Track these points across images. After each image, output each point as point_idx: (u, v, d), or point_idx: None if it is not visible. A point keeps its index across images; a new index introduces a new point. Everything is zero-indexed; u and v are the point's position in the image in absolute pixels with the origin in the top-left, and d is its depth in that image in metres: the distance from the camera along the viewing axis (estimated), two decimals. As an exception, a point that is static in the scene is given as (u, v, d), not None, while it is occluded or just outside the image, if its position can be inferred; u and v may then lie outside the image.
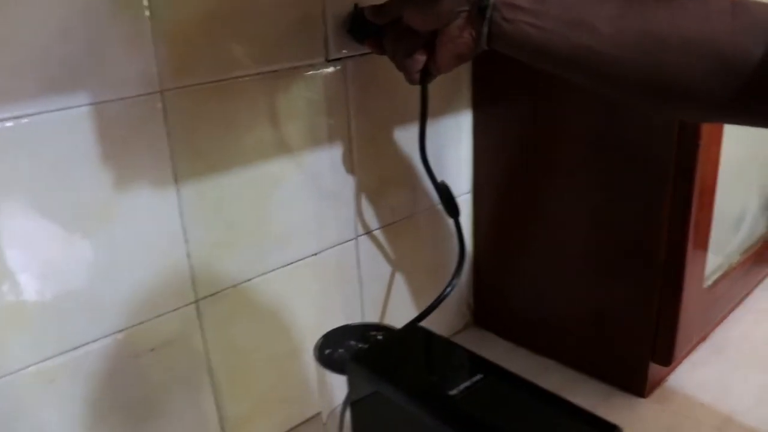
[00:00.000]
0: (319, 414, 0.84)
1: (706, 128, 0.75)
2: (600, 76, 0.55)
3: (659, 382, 0.92)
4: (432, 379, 0.56)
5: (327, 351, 0.65)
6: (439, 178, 0.81)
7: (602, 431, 0.49)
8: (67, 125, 0.59)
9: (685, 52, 0.50)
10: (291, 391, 0.84)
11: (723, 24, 0.50)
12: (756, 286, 1.15)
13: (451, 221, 0.84)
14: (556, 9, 0.54)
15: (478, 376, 0.56)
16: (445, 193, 0.83)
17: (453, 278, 0.81)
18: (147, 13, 0.62)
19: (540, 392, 0.54)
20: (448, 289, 0.79)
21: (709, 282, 0.91)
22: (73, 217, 0.62)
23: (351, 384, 0.60)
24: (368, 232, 0.87)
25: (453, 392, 0.54)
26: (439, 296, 0.79)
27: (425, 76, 0.67)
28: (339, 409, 0.66)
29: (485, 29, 0.56)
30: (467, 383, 0.55)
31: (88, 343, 0.65)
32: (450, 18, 0.59)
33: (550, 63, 0.56)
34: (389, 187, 0.87)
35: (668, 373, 0.94)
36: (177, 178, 0.68)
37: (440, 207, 0.85)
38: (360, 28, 0.76)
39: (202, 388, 0.76)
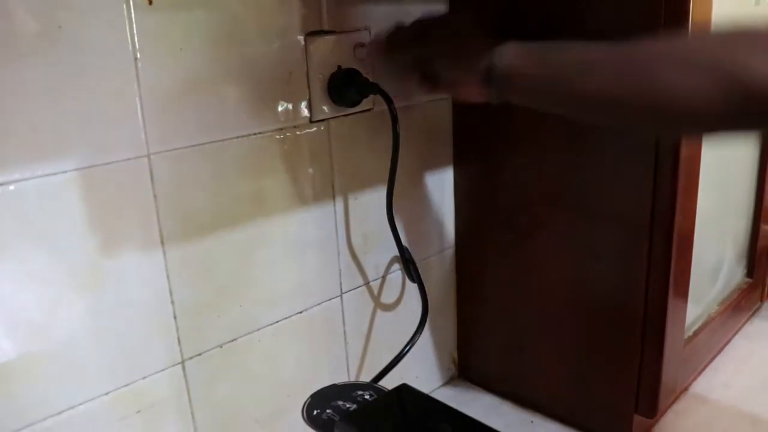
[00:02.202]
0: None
1: (682, 177, 0.77)
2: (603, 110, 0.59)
3: (644, 433, 0.93)
4: (419, 440, 0.57)
5: (315, 411, 0.65)
6: (419, 233, 0.83)
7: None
8: (54, 190, 0.60)
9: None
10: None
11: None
12: (735, 334, 1.17)
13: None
14: (554, 70, 0.59)
15: (466, 436, 0.56)
16: (405, 259, 0.85)
17: (413, 337, 0.84)
18: (134, 77, 0.63)
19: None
20: (407, 348, 0.81)
21: (689, 333, 0.93)
22: (60, 281, 0.62)
23: (340, 446, 0.60)
24: (353, 289, 0.88)
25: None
26: (398, 354, 0.81)
27: None
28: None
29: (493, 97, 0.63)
30: (455, 443, 0.55)
31: (73, 407, 0.65)
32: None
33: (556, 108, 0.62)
34: (373, 245, 0.88)
35: (652, 425, 0.94)
36: (163, 240, 0.68)
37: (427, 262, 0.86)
38: (341, 90, 0.78)
39: (188, 450, 0.75)
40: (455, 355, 1.06)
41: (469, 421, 0.58)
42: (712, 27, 0.73)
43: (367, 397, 0.67)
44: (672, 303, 0.82)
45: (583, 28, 0.78)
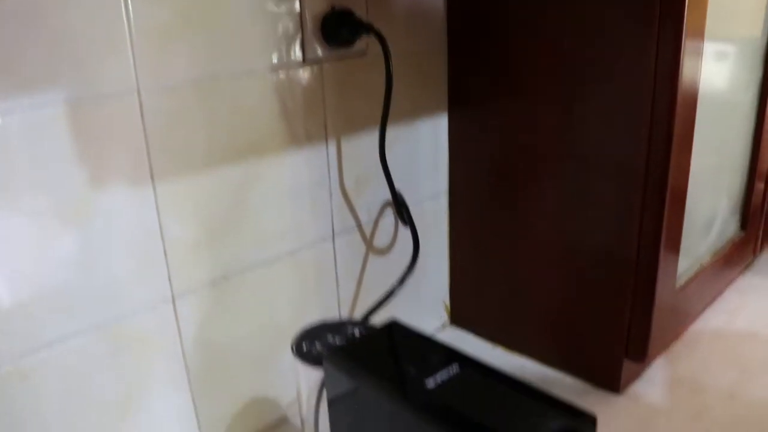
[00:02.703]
0: (297, 412, 0.84)
1: (677, 135, 0.77)
2: None
3: (633, 378, 0.93)
4: (408, 372, 0.57)
5: (304, 345, 0.65)
6: (412, 178, 0.83)
7: (576, 419, 0.50)
8: (42, 122, 0.59)
9: None
10: (269, 390, 0.84)
11: None
12: (727, 287, 1.17)
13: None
14: None
15: (455, 368, 0.56)
16: (398, 202, 0.85)
17: (404, 275, 0.84)
18: (124, 15, 0.62)
19: (516, 383, 0.55)
20: (398, 285, 0.81)
21: (681, 282, 0.93)
22: (49, 214, 0.62)
23: (327, 377, 0.60)
24: (345, 232, 0.87)
25: (429, 384, 0.54)
26: (389, 291, 0.81)
27: None
28: (315, 405, 0.67)
29: None
30: (443, 375, 0.55)
31: (63, 340, 0.65)
32: None
33: None
34: (365, 188, 0.88)
35: (642, 370, 0.95)
36: (153, 176, 0.68)
37: (420, 207, 0.86)
38: (335, 30, 0.77)
39: (179, 386, 0.75)
40: (447, 302, 1.07)
41: (456, 353, 0.58)
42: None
43: (356, 333, 0.67)
44: (663, 253, 0.82)
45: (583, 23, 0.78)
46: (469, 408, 0.52)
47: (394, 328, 0.64)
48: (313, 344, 0.65)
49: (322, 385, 0.63)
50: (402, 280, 0.81)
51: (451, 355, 0.58)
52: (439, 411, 0.52)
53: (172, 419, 0.76)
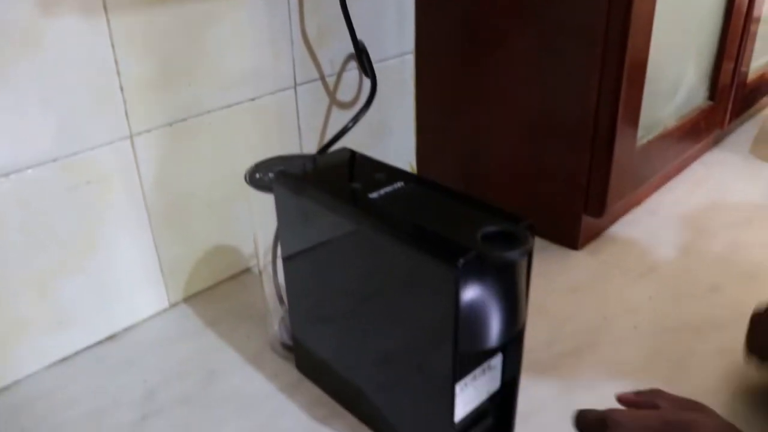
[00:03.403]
0: (254, 265, 0.86)
1: (636, 4, 0.77)
2: None
3: (593, 236, 0.96)
4: (354, 188, 0.58)
5: (258, 175, 0.66)
6: (376, 32, 0.82)
7: (514, 224, 0.51)
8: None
9: None
10: (229, 240, 0.86)
11: None
12: (694, 160, 1.19)
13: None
14: None
15: (399, 184, 0.57)
16: (359, 49, 0.85)
17: (359, 113, 0.85)
18: None
19: (459, 195, 0.56)
20: (352, 123, 0.83)
21: (642, 141, 0.94)
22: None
23: (277, 200, 0.61)
24: (308, 82, 0.87)
25: (373, 195, 0.55)
26: (343, 128, 0.82)
27: None
28: (272, 249, 0.68)
29: None
30: (388, 189, 0.57)
31: (21, 170, 0.66)
32: None
33: None
34: (329, 39, 0.87)
35: (602, 230, 0.97)
36: (107, 7, 0.67)
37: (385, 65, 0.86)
38: None
39: (140, 226, 0.77)
40: (414, 163, 1.08)
41: (403, 173, 0.59)
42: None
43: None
44: (623, 111, 0.83)
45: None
46: (408, 214, 0.53)
47: (344, 153, 0.65)
48: (266, 174, 0.66)
49: (277, 236, 0.64)
50: (355, 119, 0.82)
51: (397, 174, 0.59)
52: (379, 216, 0.53)
53: (135, 261, 0.77)
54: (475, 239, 0.48)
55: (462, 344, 0.50)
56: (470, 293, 0.48)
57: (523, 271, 0.52)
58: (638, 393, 0.61)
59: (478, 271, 0.48)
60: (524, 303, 0.54)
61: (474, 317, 0.50)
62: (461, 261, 0.46)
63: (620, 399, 0.61)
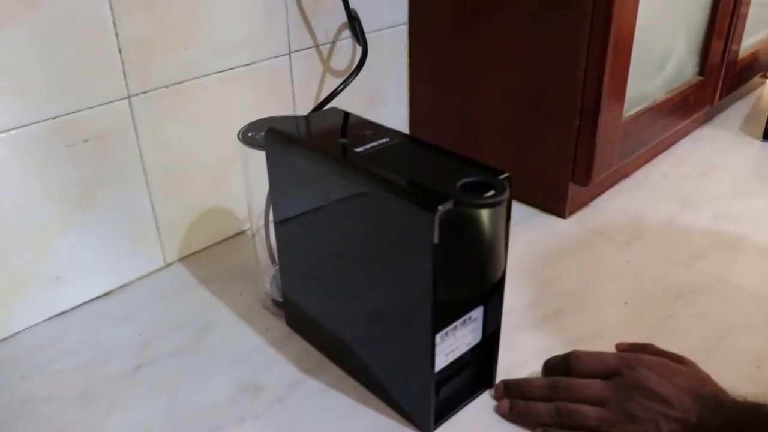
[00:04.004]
0: (248, 228, 0.88)
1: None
2: None
3: (580, 206, 0.98)
4: (341, 143, 0.60)
5: (250, 134, 0.68)
6: (372, 6, 0.83)
7: (493, 174, 0.53)
8: None
9: None
10: (224, 202, 0.88)
11: None
12: (684, 136, 1.21)
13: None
14: None
15: (385, 140, 0.59)
16: (351, 16, 0.88)
17: (348, 77, 0.86)
18: None
19: (443, 151, 0.58)
20: (342, 86, 0.84)
21: (630, 113, 0.95)
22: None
23: (268, 155, 0.63)
24: (302, 50, 0.89)
25: (359, 150, 0.58)
26: (334, 90, 0.84)
27: None
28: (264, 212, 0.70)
29: None
30: (374, 144, 0.59)
31: (20, 127, 0.67)
32: None
33: None
34: (323, 7, 0.89)
35: (590, 200, 0.99)
36: (105, -33, 0.69)
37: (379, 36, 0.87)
38: None
39: (137, 186, 0.79)
40: (408, 129, 1.10)
41: (390, 130, 0.61)
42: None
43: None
44: (609, 81, 0.85)
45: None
46: (392, 166, 0.55)
47: (334, 113, 0.67)
48: (259, 133, 0.68)
49: (270, 197, 0.66)
50: (345, 82, 0.83)
51: (385, 131, 0.61)
52: (364, 168, 0.55)
53: (132, 220, 0.79)
54: (454, 188, 0.50)
55: (441, 292, 0.52)
56: (449, 240, 0.50)
57: (502, 222, 0.55)
58: (633, 344, 0.65)
59: (456, 219, 0.50)
60: (502, 254, 0.56)
61: (452, 264, 0.52)
62: (439, 207, 0.48)
63: (616, 346, 0.66)
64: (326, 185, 0.58)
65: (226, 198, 0.88)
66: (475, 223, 0.52)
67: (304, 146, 0.60)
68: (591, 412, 0.57)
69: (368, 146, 0.58)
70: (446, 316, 0.57)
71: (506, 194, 0.51)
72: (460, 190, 0.50)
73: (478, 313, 0.61)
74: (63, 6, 0.67)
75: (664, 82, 1.03)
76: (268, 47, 0.85)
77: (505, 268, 0.58)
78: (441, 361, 0.59)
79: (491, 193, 0.50)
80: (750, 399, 0.54)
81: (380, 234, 0.55)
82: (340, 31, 0.92)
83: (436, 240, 0.49)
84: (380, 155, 0.57)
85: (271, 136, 0.62)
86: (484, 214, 0.52)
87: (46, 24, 0.66)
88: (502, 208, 0.54)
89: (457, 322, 0.59)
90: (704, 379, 0.60)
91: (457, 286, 0.54)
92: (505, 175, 0.53)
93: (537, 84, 0.90)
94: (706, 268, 0.83)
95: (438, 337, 0.57)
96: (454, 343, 0.60)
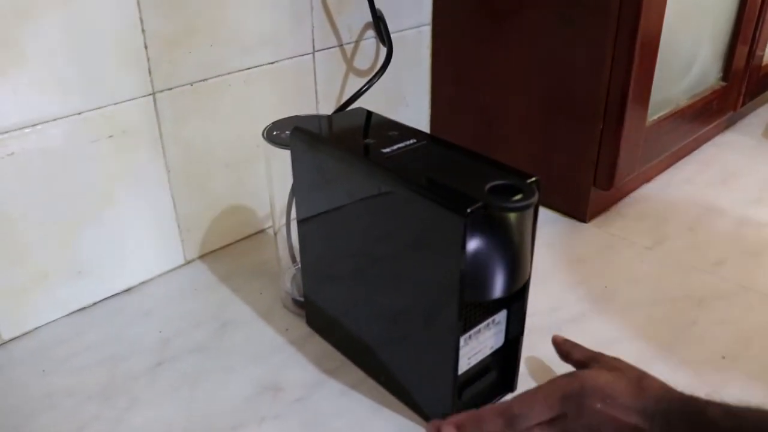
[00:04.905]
0: (270, 227, 0.88)
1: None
2: None
3: (602, 210, 0.97)
4: (368, 144, 0.60)
5: (275, 132, 0.68)
6: (396, 6, 0.83)
7: (519, 177, 0.53)
8: None
9: None
10: (246, 201, 0.88)
11: None
12: (706, 141, 1.20)
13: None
14: None
15: (412, 141, 0.59)
16: (376, 17, 0.87)
17: (372, 78, 0.86)
18: None
19: (470, 153, 0.58)
20: (366, 86, 0.84)
21: (654, 118, 0.95)
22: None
23: (294, 154, 0.63)
24: (326, 49, 0.89)
25: (386, 150, 0.57)
26: (358, 91, 0.83)
27: None
28: (287, 209, 0.70)
29: None
30: (400, 145, 0.58)
31: (48, 121, 0.68)
32: None
33: None
34: (348, 6, 0.89)
35: (612, 204, 0.99)
36: (133, -35, 0.69)
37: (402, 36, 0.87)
38: None
39: (159, 183, 0.79)
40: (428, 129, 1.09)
41: (417, 132, 0.61)
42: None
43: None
44: (634, 86, 0.84)
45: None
46: (420, 167, 0.55)
47: (359, 113, 0.66)
48: (284, 132, 0.68)
49: (292, 196, 0.66)
50: (370, 82, 0.83)
51: (411, 132, 0.61)
52: (391, 169, 0.55)
53: (153, 216, 0.80)
54: (483, 191, 0.50)
55: (468, 294, 0.52)
56: (476, 242, 0.50)
57: (529, 226, 0.54)
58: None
59: (484, 222, 0.50)
60: (528, 258, 0.56)
61: (479, 266, 0.51)
62: (468, 210, 0.48)
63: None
64: (352, 185, 0.58)
65: (247, 196, 0.87)
66: (503, 227, 0.51)
67: (332, 146, 0.60)
68: None
69: (395, 147, 0.58)
70: (471, 319, 0.57)
71: (535, 198, 0.50)
72: (489, 194, 0.50)
73: (501, 317, 0.60)
74: (92, 2, 0.67)
75: (687, 87, 1.02)
76: (293, 46, 0.85)
77: (530, 271, 0.57)
78: (464, 364, 0.58)
79: (520, 196, 0.50)
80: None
81: (406, 235, 0.55)
82: (363, 30, 0.92)
83: (464, 242, 0.49)
84: (407, 156, 0.57)
85: (297, 134, 0.62)
86: (512, 217, 0.51)
87: (76, 19, 0.67)
88: (530, 212, 0.53)
89: (481, 325, 0.58)
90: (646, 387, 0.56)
91: (483, 288, 0.53)
92: (534, 178, 0.53)
93: (561, 86, 0.90)
94: (728, 275, 0.83)
95: (462, 340, 0.56)
96: (477, 346, 0.59)
